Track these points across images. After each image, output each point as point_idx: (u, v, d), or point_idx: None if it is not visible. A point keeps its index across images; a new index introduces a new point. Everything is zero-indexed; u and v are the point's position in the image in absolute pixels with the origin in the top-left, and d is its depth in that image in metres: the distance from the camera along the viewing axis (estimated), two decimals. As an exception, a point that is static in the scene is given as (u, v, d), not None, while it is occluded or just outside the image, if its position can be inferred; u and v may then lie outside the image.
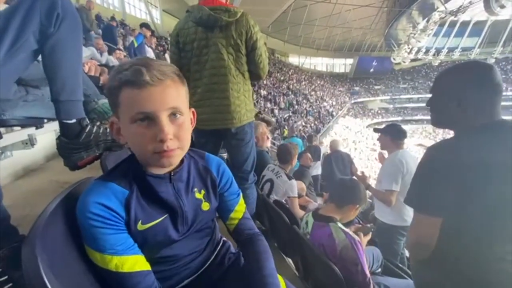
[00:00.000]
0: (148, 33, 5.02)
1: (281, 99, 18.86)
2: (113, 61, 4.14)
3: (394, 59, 25.88)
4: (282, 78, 23.13)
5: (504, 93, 0.98)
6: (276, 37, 26.57)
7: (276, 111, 16.44)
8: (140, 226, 0.57)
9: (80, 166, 0.88)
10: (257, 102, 15.10)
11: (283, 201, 2.09)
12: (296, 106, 19.95)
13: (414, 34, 22.21)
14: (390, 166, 2.10)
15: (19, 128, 1.58)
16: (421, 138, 27.38)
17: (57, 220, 0.51)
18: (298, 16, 22.92)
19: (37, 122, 1.22)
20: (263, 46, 1.48)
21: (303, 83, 26.23)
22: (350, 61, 33.64)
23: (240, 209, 0.77)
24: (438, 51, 24.93)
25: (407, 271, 1.80)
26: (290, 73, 26.17)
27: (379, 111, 31.56)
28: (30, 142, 1.65)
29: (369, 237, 1.48)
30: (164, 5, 15.60)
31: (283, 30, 25.47)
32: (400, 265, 1.95)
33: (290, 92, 21.52)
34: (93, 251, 0.52)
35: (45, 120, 1.26)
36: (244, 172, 1.59)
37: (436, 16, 20.55)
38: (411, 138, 25.00)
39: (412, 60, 26.93)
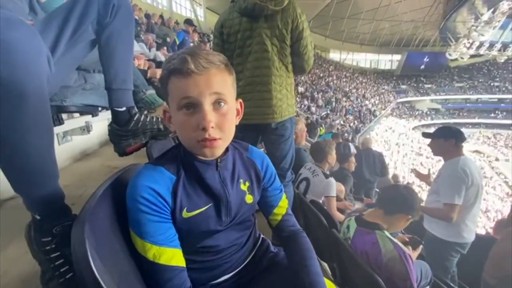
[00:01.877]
0: (191, 29, 5.17)
1: (319, 96, 18.25)
2: (160, 56, 4.37)
3: (450, 54, 23.05)
4: (321, 74, 22.34)
5: None
6: (317, 32, 25.60)
7: (313, 109, 15.99)
8: (185, 214, 0.57)
9: (128, 153, 0.92)
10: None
11: (320, 201, 2.00)
12: (334, 104, 19.14)
13: (477, 26, 19.48)
14: (451, 175, 1.82)
15: (78, 115, 1.75)
16: (478, 144, 24.30)
17: (105, 203, 0.52)
18: (342, 9, 21.84)
19: (93, 110, 1.32)
20: (309, 37, 1.40)
21: (344, 80, 25.00)
22: (397, 57, 30.82)
23: (283, 205, 0.75)
24: (505, 46, 21.63)
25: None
26: (330, 69, 25.14)
27: (428, 112, 28.61)
28: (87, 129, 1.82)
29: (418, 251, 1.33)
30: (207, 3, 16.09)
31: (325, 25, 24.49)
32: (452, 285, 1.74)
33: (329, 89, 20.70)
34: (136, 236, 0.53)
35: (99, 109, 1.35)
36: (282, 169, 1.53)
37: (504, 6, 17.61)
38: (466, 143, 22.20)
39: (472, 56, 23.75)
